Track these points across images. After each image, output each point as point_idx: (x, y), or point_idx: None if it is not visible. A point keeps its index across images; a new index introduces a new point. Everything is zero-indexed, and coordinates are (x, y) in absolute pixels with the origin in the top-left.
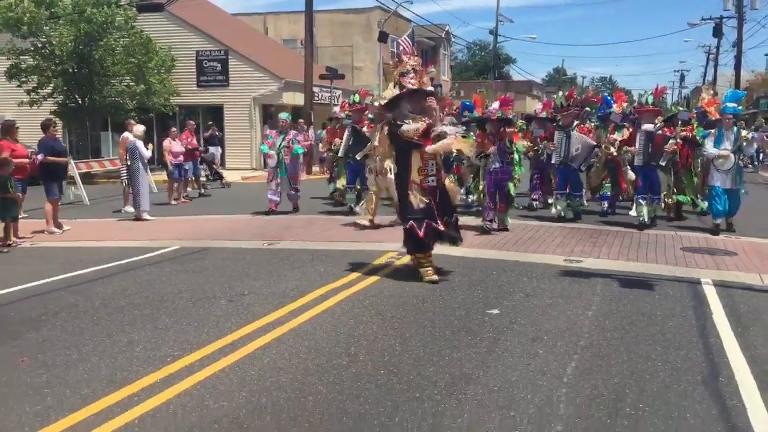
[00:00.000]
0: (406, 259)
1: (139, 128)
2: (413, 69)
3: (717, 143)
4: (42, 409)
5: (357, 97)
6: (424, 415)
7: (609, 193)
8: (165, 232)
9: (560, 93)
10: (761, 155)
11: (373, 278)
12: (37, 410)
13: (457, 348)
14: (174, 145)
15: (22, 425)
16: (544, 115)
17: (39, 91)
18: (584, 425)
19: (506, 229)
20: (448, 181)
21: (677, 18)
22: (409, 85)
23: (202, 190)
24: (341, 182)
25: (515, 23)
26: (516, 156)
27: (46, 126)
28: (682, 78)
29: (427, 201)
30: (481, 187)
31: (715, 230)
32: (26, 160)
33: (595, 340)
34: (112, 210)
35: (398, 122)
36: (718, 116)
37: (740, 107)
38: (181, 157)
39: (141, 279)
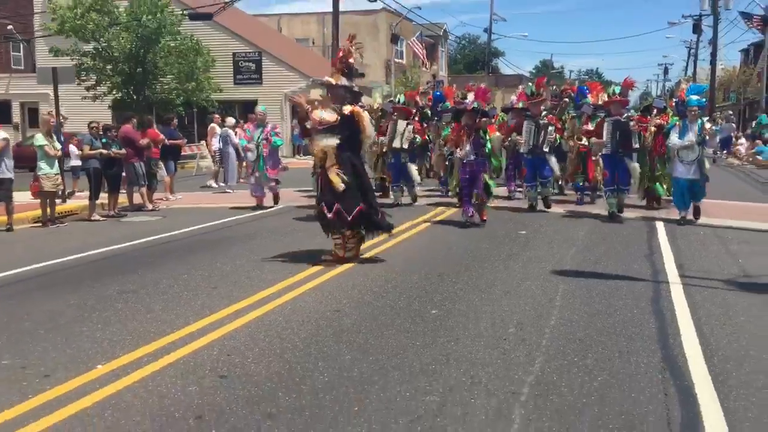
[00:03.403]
0: (451, 211)
1: (230, 120)
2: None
3: (682, 135)
4: (296, 267)
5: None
6: (498, 267)
7: (581, 184)
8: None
9: (530, 83)
10: (730, 145)
11: (440, 217)
12: (296, 267)
13: (506, 245)
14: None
15: (299, 269)
16: (520, 105)
17: (97, 88)
18: (580, 267)
19: (484, 221)
20: (332, 174)
21: (661, 14)
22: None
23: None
24: None
25: (505, 15)
26: (488, 147)
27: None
28: (666, 71)
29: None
30: (455, 182)
31: (681, 222)
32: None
33: (586, 241)
34: (198, 186)
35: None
36: None
37: (704, 99)
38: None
39: (281, 222)
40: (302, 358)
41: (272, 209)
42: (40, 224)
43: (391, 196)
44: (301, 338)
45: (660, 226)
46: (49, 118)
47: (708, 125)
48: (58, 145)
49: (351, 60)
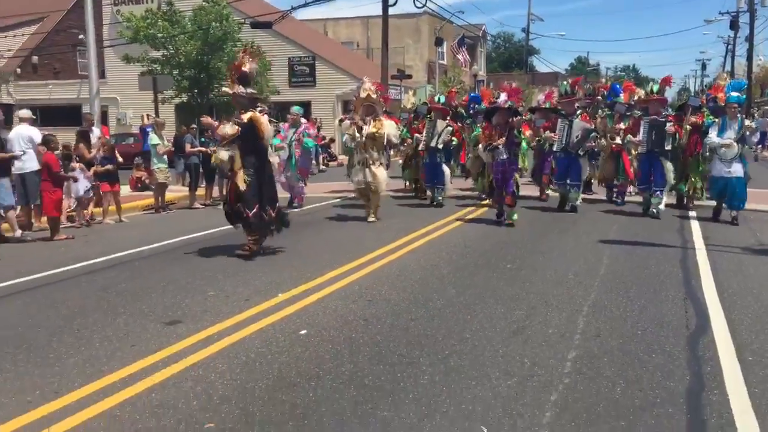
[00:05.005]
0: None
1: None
2: None
3: (721, 132)
4: (389, 236)
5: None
6: (553, 238)
7: (616, 183)
8: (314, 192)
9: (564, 82)
10: (765, 139)
11: (477, 213)
12: (390, 236)
13: (556, 224)
14: None
15: (391, 239)
16: (546, 105)
17: (164, 92)
18: (622, 238)
19: (511, 225)
20: (238, 177)
21: (698, 11)
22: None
23: (321, 167)
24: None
25: (542, 12)
26: (524, 146)
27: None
28: (704, 67)
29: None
30: (489, 177)
31: (716, 214)
32: None
33: (625, 221)
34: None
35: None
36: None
37: (744, 96)
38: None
39: (338, 211)
40: (421, 292)
41: (325, 204)
42: (153, 211)
43: (427, 194)
44: (415, 280)
45: (691, 212)
46: (163, 121)
47: (747, 122)
48: (168, 144)
49: (245, 69)
